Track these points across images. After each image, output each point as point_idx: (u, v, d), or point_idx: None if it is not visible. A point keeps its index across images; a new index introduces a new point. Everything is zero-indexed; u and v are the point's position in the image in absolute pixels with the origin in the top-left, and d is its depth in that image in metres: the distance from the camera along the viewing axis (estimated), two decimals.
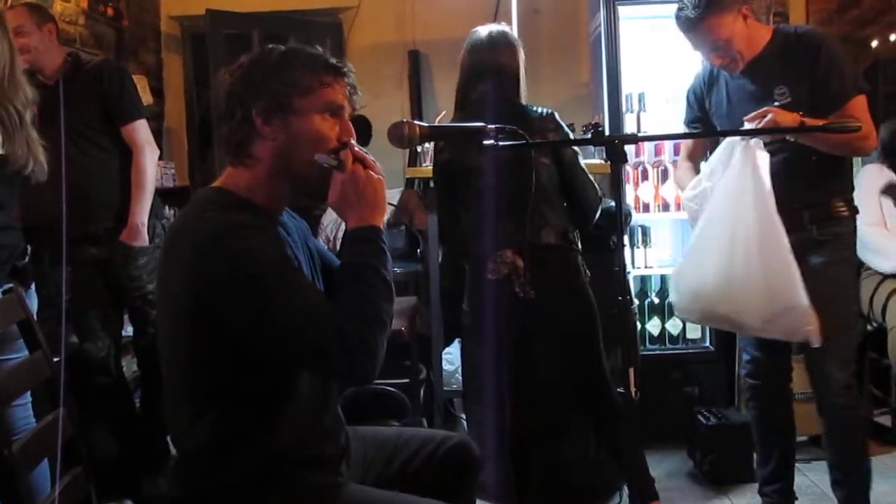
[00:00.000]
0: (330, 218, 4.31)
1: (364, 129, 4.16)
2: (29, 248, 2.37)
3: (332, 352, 1.41)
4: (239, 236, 1.45)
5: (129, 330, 3.26)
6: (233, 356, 1.49)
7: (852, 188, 2.61)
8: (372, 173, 1.56)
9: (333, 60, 1.60)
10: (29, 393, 2.22)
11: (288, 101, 1.54)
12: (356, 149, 1.57)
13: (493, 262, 2.59)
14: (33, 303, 2.40)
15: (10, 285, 2.04)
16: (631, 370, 1.60)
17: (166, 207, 3.58)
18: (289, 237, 1.65)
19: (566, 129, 2.70)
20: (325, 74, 1.57)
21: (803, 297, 2.28)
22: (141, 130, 3.06)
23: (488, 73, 2.65)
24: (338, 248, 3.95)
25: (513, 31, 3.39)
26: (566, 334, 2.69)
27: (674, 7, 2.49)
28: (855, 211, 2.57)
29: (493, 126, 1.64)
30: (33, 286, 2.38)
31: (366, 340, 1.42)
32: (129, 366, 3.37)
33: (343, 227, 4.17)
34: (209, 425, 1.53)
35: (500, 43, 2.68)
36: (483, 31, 2.71)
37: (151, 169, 3.06)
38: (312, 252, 1.76)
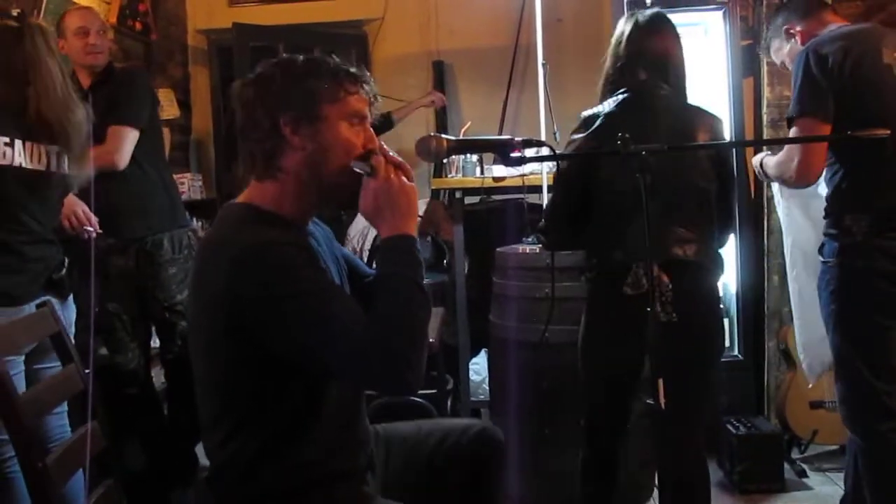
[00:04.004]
0: (356, 229, 4.32)
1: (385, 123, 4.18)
2: (66, 260, 2.37)
3: (377, 366, 1.40)
4: (275, 253, 1.45)
5: (156, 342, 3.28)
6: (267, 370, 1.49)
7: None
8: (405, 181, 1.55)
9: (354, 69, 1.60)
10: (66, 402, 2.24)
11: (317, 109, 1.54)
12: (390, 154, 1.57)
13: (634, 275, 2.16)
14: (71, 314, 2.42)
15: (45, 298, 2.06)
16: (660, 381, 1.57)
17: (193, 219, 3.60)
18: (318, 247, 1.65)
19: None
20: (348, 82, 1.58)
21: None
22: (127, 139, 2.87)
23: (647, 59, 2.26)
24: (365, 259, 3.96)
25: (536, 39, 3.40)
26: (685, 363, 2.11)
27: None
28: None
29: (519, 139, 1.63)
30: (71, 297, 2.39)
31: (408, 352, 1.41)
32: (157, 377, 3.39)
33: (370, 238, 4.21)
34: (241, 438, 1.53)
35: (662, 26, 2.29)
36: (640, 14, 2.32)
37: (95, 166, 2.51)
38: (339, 259, 1.76)
